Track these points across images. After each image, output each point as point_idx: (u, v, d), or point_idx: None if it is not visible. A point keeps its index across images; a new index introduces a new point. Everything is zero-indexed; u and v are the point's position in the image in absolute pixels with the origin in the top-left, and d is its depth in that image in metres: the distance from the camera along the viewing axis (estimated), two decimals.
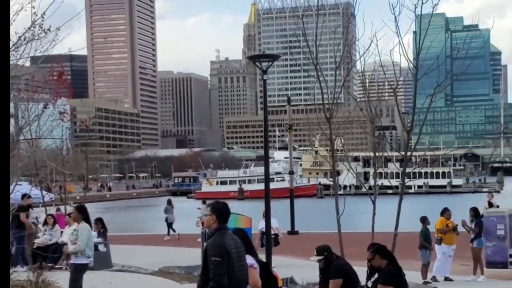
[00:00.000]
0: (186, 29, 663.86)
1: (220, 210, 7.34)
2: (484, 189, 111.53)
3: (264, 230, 21.16)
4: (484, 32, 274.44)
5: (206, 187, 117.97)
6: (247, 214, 17.14)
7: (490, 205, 27.00)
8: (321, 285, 9.85)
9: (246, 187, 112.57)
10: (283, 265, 19.15)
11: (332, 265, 9.47)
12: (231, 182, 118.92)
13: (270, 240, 18.73)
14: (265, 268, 8.18)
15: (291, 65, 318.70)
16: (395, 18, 12.69)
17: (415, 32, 14.24)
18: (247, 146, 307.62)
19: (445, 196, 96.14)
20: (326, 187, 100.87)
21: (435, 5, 12.58)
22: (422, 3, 12.59)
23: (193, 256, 18.98)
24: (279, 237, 22.14)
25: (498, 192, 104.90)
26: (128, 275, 18.78)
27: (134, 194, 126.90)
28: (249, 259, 7.64)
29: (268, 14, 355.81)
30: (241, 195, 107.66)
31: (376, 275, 9.17)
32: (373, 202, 14.54)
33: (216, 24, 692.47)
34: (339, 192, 16.09)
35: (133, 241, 30.70)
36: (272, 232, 20.92)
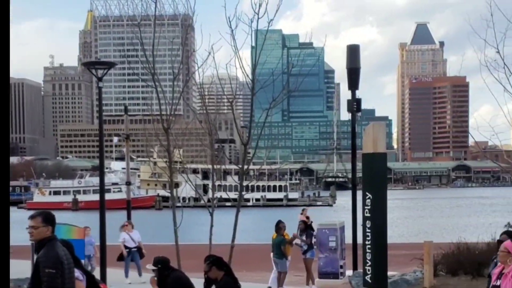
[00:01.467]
0: (21, 34, 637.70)
1: (53, 221, 7.04)
2: (318, 203, 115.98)
3: (125, 243, 20.89)
4: (318, 50, 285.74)
5: (38, 197, 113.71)
6: (81, 225, 16.67)
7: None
8: None
9: (81, 197, 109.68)
10: (117, 279, 18.79)
11: (169, 278, 9.36)
12: (65, 193, 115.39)
13: (105, 252, 18.26)
14: (91, 280, 7.94)
15: (128, 74, 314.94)
16: (232, 31, 12.84)
17: (253, 47, 14.50)
18: (82, 155, 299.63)
19: (282, 209, 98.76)
20: (165, 198, 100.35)
21: (271, 20, 12.87)
22: (258, 18, 12.86)
23: (22, 269, 18.13)
24: (143, 250, 21.60)
25: (331, 205, 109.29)
26: None
27: None
28: (76, 272, 7.40)
29: (105, 22, 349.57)
30: (76, 206, 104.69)
31: (213, 287, 9.19)
32: (211, 214, 14.60)
33: (53, 30, 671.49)
34: (178, 204, 15.99)
35: None
36: (134, 245, 20.98)
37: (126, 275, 20.94)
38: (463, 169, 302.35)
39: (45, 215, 7.09)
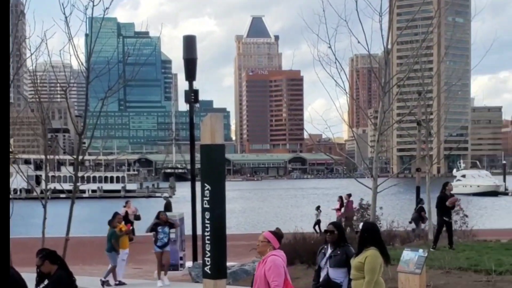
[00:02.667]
0: None
1: None
2: (157, 194, 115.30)
3: None
4: (154, 40, 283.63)
5: None
6: None
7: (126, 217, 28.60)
8: None
9: None
10: None
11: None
12: None
13: None
14: None
15: None
16: (66, 18, 12.35)
17: (87, 35, 14.03)
18: None
19: (120, 200, 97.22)
20: None
21: (106, 8, 12.50)
22: (93, 5, 12.44)
23: None
24: None
25: (171, 197, 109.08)
26: None
27: None
28: None
29: None
30: None
31: (46, 282, 8.80)
32: (44, 206, 13.99)
33: None
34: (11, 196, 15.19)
35: None
36: None
37: None
38: (299, 161, 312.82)
39: None
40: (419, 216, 28.67)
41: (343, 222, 30.87)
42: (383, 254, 8.30)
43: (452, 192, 21.25)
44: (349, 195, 32.46)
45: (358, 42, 15.84)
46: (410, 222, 28.99)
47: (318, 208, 35.30)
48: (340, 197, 32.58)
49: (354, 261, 8.27)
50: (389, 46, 16.50)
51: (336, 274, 8.69)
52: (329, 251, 8.92)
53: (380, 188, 16.20)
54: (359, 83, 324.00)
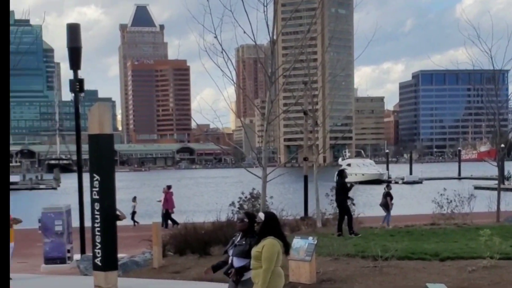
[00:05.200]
0: None
1: None
2: (42, 186, 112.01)
3: None
4: (36, 28, 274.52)
5: None
6: None
7: None
8: None
9: None
10: None
11: None
12: None
13: None
14: None
15: None
16: None
17: None
18: None
19: None
20: None
21: None
22: None
23: None
24: None
25: (55, 189, 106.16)
26: None
27: None
28: None
29: None
30: None
31: None
32: None
33: None
34: None
35: None
36: None
37: None
38: (187, 151, 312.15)
39: None
40: (386, 202, 29.50)
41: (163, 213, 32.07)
42: (284, 244, 8.38)
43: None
44: (169, 187, 33.29)
45: (244, 32, 15.97)
46: (381, 205, 29.85)
47: (134, 198, 36.19)
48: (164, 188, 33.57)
49: (253, 251, 8.32)
50: (275, 37, 16.69)
51: (239, 263, 8.72)
52: (238, 239, 8.94)
53: (269, 178, 16.42)
54: (246, 73, 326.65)
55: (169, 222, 32.01)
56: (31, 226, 26.68)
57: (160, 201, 33.40)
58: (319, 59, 32.68)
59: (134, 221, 35.07)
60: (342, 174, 21.81)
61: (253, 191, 24.00)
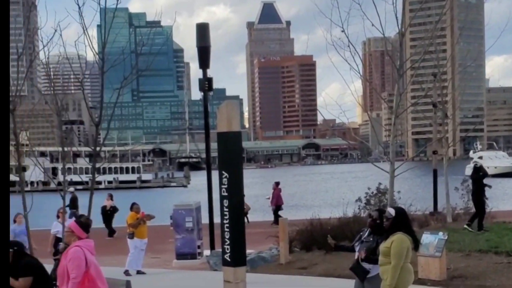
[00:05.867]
0: None
1: None
2: (172, 184, 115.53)
3: (58, 235, 17.38)
4: (166, 29, 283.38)
5: None
6: None
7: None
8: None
9: None
10: None
11: (21, 263, 8.88)
12: None
13: None
14: None
15: None
16: (79, 8, 12.31)
17: (99, 25, 13.98)
18: None
19: (135, 191, 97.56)
20: (12, 183, 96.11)
21: None
22: None
23: None
24: None
25: (186, 186, 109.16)
26: None
27: None
28: None
29: None
30: None
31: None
32: (63, 198, 14.01)
33: None
34: (26, 189, 15.24)
35: None
36: None
37: None
38: (312, 147, 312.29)
39: None
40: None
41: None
42: (413, 239, 8.18)
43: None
44: (277, 184, 32.95)
45: (372, 25, 15.77)
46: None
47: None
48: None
49: (381, 247, 8.17)
50: (403, 29, 16.36)
51: (365, 260, 8.60)
52: (365, 235, 8.82)
53: (397, 172, 16.12)
54: (373, 66, 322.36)
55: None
56: (163, 223, 27.59)
57: (269, 198, 33.48)
58: (448, 50, 31.74)
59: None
60: (479, 170, 20.96)
61: (380, 185, 23.64)
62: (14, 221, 17.35)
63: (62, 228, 16.37)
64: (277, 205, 32.56)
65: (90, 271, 7.90)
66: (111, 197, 31.50)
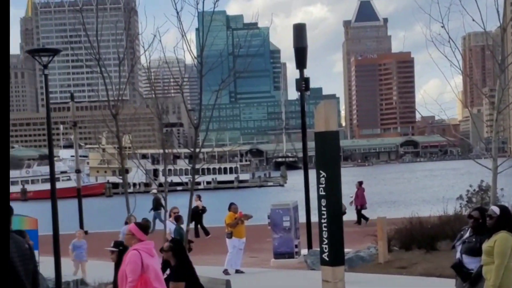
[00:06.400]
0: None
1: None
2: (269, 183, 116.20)
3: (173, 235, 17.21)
4: (263, 30, 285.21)
5: None
6: (32, 215, 16.25)
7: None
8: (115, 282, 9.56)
9: (30, 187, 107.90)
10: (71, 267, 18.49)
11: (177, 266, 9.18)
12: (13, 183, 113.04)
13: (58, 242, 17.84)
14: None
15: (72, 61, 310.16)
16: (178, 13, 12.61)
17: (197, 29, 14.28)
18: (28, 145, 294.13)
19: (233, 191, 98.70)
20: (115, 185, 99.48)
21: (216, 1, 12.68)
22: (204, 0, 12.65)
23: None
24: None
25: (283, 185, 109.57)
26: None
27: None
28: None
29: (46, 8, 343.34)
30: (24, 196, 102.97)
31: (168, 271, 9.11)
32: (165, 199, 14.43)
33: None
34: (129, 190, 15.76)
35: None
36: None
37: None
38: (411, 145, 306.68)
39: None
40: None
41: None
42: None
43: None
44: (360, 183, 32.15)
45: (473, 20, 15.46)
46: None
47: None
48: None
49: (484, 246, 7.97)
50: (505, 23, 15.96)
51: (467, 261, 8.40)
52: (466, 235, 8.64)
53: (500, 169, 15.69)
54: (473, 61, 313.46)
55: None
56: (260, 222, 27.81)
57: (352, 197, 33.05)
58: None
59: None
60: None
61: (482, 183, 23.01)
62: (126, 222, 17.56)
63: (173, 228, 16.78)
64: (361, 205, 32.30)
65: (146, 274, 8.00)
66: (199, 197, 32.01)
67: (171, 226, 17.19)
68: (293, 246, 20.41)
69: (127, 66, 15.06)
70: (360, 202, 32.31)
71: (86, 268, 18.57)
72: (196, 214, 30.73)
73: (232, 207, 18.92)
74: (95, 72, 13.74)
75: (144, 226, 8.43)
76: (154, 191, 34.08)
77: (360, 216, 32.00)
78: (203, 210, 31.10)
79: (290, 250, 20.29)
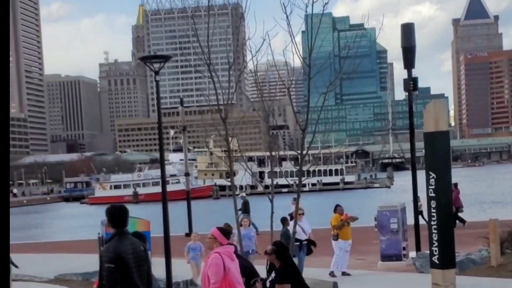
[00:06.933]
0: (81, 31, 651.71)
1: (112, 215, 7.09)
2: (375, 185, 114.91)
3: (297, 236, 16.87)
4: (370, 31, 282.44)
5: (99, 192, 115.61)
6: (144, 217, 16.84)
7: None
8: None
9: (141, 190, 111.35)
10: (184, 268, 18.99)
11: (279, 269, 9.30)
12: (125, 186, 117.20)
13: (169, 243, 18.39)
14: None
15: (181, 67, 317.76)
16: (287, 17, 12.73)
17: (303, 32, 14.39)
18: (140, 149, 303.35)
19: (338, 192, 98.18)
20: (222, 187, 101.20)
21: (326, 3, 12.72)
22: (313, 2, 12.72)
23: (91, 262, 18.49)
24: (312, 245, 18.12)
25: (389, 187, 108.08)
26: (22, 284, 18.06)
27: (25, 201, 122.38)
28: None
29: (157, 15, 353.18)
30: (136, 199, 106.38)
31: (273, 274, 9.21)
32: (271, 201, 14.59)
33: (108, 25, 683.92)
34: (236, 193, 16.05)
35: (26, 250, 29.71)
36: (305, 237, 17.81)
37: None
38: None
39: (106, 210, 7.20)
40: None
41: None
42: None
43: None
44: (455, 185, 30.73)
45: None
46: None
47: (418, 198, 33.73)
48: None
49: None
50: None
51: None
52: None
53: None
54: None
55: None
56: (367, 224, 27.57)
57: None
58: None
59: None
60: None
61: None
62: (241, 225, 17.53)
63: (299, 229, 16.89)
64: (456, 207, 31.27)
65: (228, 277, 8.13)
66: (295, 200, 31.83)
67: (245, 232, 17.34)
68: (401, 248, 20.15)
69: (235, 71, 15.34)
70: (455, 205, 31.40)
71: (201, 270, 18.73)
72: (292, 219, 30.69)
73: (338, 208, 18.89)
74: (204, 77, 14.08)
75: (226, 231, 8.58)
76: (243, 194, 34.40)
77: (456, 218, 31.14)
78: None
79: (397, 253, 20.05)
